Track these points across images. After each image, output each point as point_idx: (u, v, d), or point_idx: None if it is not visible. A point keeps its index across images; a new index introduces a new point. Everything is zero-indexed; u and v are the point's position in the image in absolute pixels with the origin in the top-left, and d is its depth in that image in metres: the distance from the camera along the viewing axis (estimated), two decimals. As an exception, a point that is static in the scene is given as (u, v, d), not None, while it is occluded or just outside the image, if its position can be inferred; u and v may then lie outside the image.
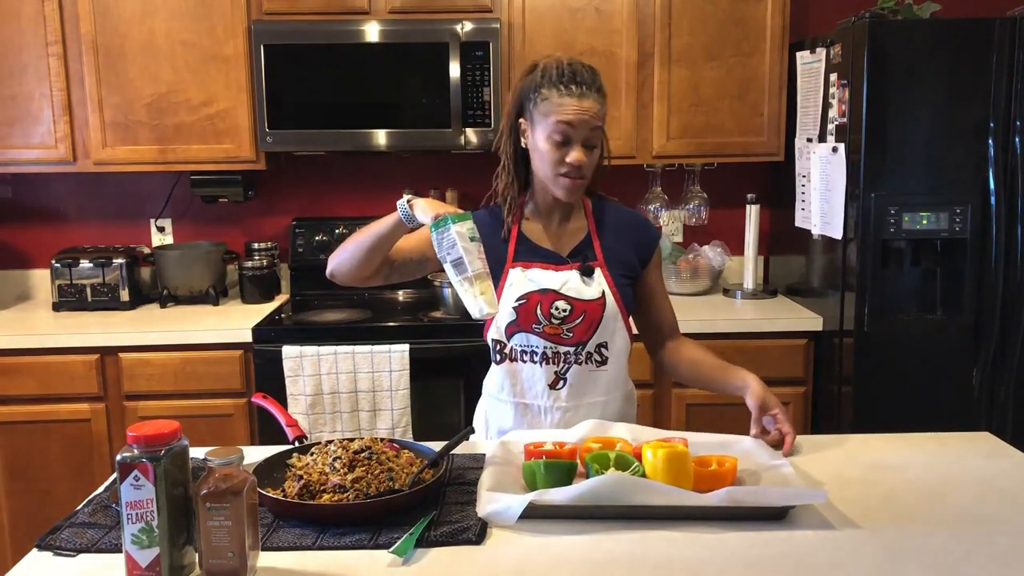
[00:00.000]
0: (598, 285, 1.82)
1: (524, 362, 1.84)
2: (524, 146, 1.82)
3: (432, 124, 3.03)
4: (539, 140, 1.76)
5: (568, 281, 1.81)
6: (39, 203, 3.48)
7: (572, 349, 1.82)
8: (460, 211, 1.64)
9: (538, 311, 1.79)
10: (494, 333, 1.85)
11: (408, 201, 1.70)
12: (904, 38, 2.63)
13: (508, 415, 1.88)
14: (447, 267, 1.62)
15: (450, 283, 3.06)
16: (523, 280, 1.81)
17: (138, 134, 3.09)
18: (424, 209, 1.66)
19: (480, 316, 1.60)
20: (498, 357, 1.86)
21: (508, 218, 1.87)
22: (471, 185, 3.50)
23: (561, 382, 1.83)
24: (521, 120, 1.80)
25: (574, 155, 1.73)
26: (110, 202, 3.49)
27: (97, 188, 3.46)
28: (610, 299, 1.82)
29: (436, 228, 1.61)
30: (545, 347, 1.81)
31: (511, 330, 1.82)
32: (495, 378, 1.90)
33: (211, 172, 3.20)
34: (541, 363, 1.82)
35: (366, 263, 1.79)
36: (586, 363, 1.83)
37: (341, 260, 1.81)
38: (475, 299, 1.59)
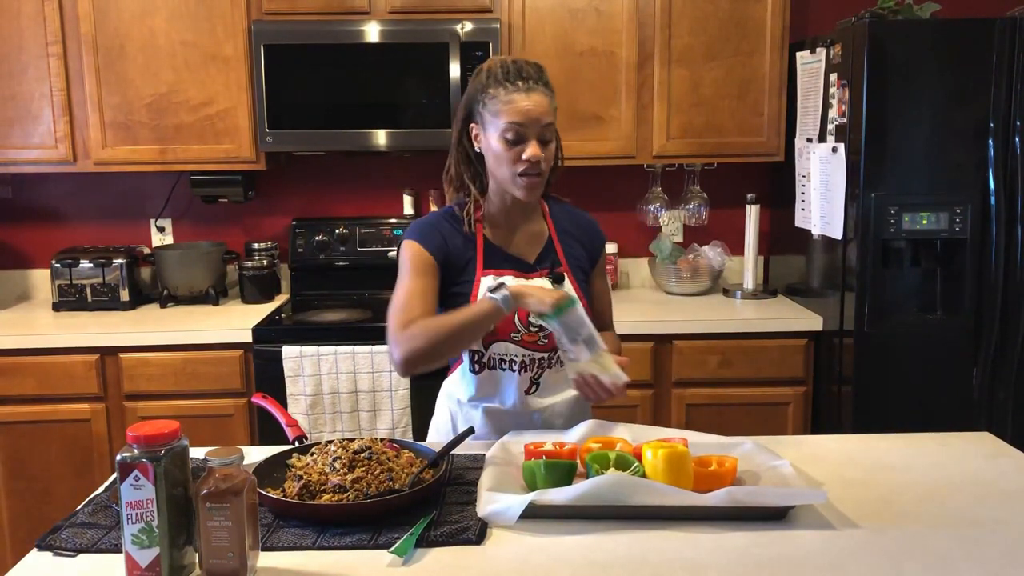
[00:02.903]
0: (568, 291, 1.82)
1: (503, 370, 1.83)
2: (478, 150, 1.80)
3: (432, 124, 3.03)
4: (492, 141, 1.74)
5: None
6: (39, 203, 3.48)
7: (546, 355, 1.83)
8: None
9: (516, 319, 1.78)
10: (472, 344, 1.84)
11: (503, 290, 1.65)
12: (904, 38, 2.63)
13: (479, 420, 1.87)
14: (576, 347, 1.64)
15: None
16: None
17: (138, 134, 3.09)
18: (539, 298, 1.64)
19: (619, 386, 1.65)
20: (476, 367, 1.84)
21: (467, 218, 1.83)
22: (471, 185, 3.50)
23: (535, 387, 1.85)
24: (472, 125, 1.79)
25: (530, 151, 1.71)
26: (110, 202, 3.49)
27: (97, 188, 3.46)
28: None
29: (563, 311, 1.62)
30: (523, 355, 1.81)
31: (488, 339, 1.80)
32: (468, 384, 1.87)
33: (211, 172, 3.19)
34: (520, 371, 1.82)
35: (454, 353, 1.78)
36: (556, 365, 1.84)
37: (423, 352, 1.68)
38: (610, 370, 1.65)
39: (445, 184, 1.89)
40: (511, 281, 1.76)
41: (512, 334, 1.79)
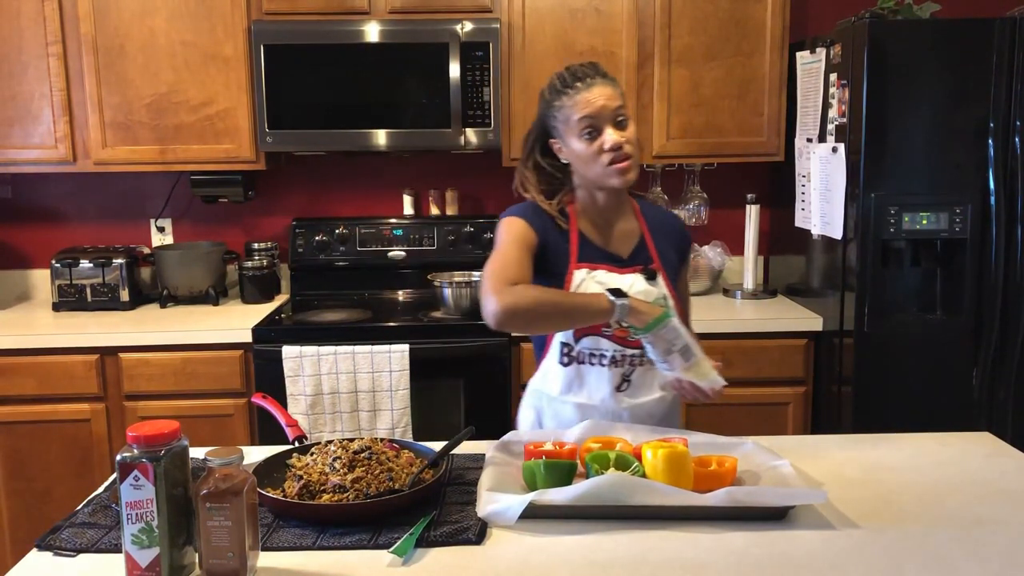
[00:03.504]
0: (661, 289, 1.83)
1: (592, 365, 1.83)
2: (565, 162, 1.84)
3: (432, 124, 3.03)
4: (573, 145, 1.78)
5: (634, 284, 1.81)
6: (39, 203, 3.48)
7: (638, 352, 1.81)
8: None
9: None
10: (562, 336, 1.84)
11: (624, 299, 1.66)
12: (904, 38, 2.63)
13: (572, 415, 1.86)
14: (671, 358, 1.64)
15: (450, 283, 3.07)
16: (591, 282, 1.80)
17: (138, 134, 3.09)
18: (638, 314, 1.65)
19: (717, 390, 1.65)
20: (565, 359, 1.85)
21: (560, 213, 1.85)
22: (471, 185, 3.50)
23: (626, 384, 1.84)
24: (552, 141, 1.83)
25: (609, 138, 1.74)
26: (110, 202, 3.49)
27: (97, 188, 3.46)
28: (670, 302, 1.83)
29: (657, 324, 1.63)
30: (614, 351, 1.81)
31: (579, 333, 1.81)
32: (557, 379, 1.87)
33: (211, 172, 3.19)
34: (610, 366, 1.82)
35: (549, 329, 1.79)
36: (648, 363, 1.82)
37: (524, 312, 1.67)
38: (708, 376, 1.65)
39: (524, 194, 1.90)
40: (624, 282, 1.79)
41: (603, 328, 1.79)
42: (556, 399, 1.88)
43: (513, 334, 2.88)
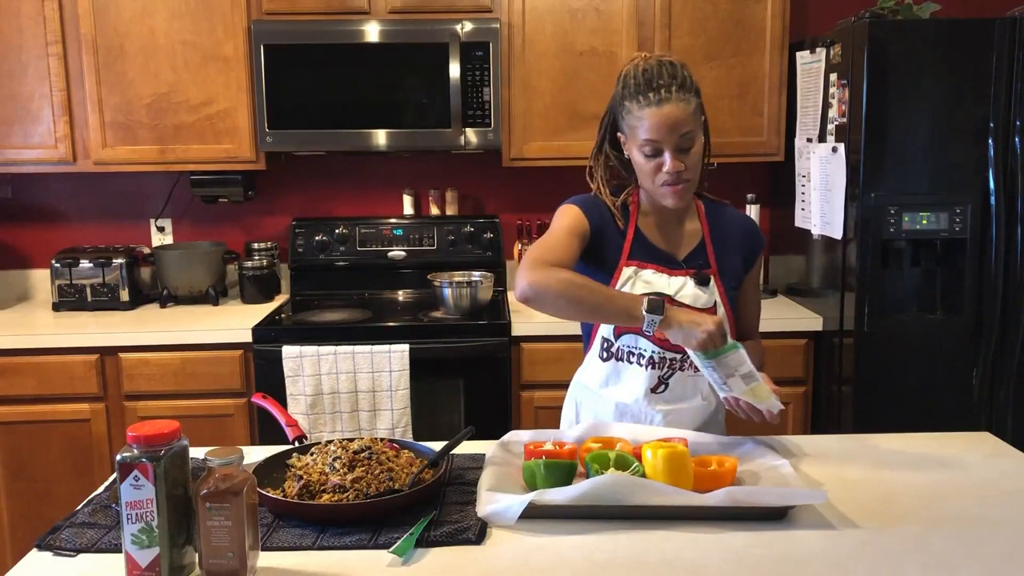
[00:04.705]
0: (711, 295, 1.80)
1: (630, 363, 1.81)
2: (628, 156, 1.79)
3: (432, 124, 3.04)
4: (633, 153, 1.75)
5: (683, 287, 1.78)
6: (39, 203, 3.48)
7: (679, 356, 1.79)
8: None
9: None
10: (604, 331, 1.83)
11: (658, 314, 1.58)
12: (904, 38, 2.63)
13: (608, 412, 1.85)
14: (731, 381, 1.61)
15: (450, 283, 3.07)
16: (637, 281, 1.78)
17: (138, 134, 3.09)
18: (672, 332, 1.59)
19: (775, 413, 1.61)
20: (604, 355, 1.83)
21: (619, 210, 1.81)
22: (471, 185, 3.50)
23: (663, 387, 1.81)
24: (619, 133, 1.79)
25: (668, 165, 1.69)
26: (110, 202, 3.49)
27: (97, 188, 3.46)
28: (721, 309, 1.81)
29: (725, 352, 1.58)
30: (653, 351, 1.78)
31: (620, 330, 1.80)
32: (597, 373, 1.86)
33: (211, 172, 3.20)
34: (647, 367, 1.79)
35: (574, 317, 1.74)
36: (689, 369, 1.80)
37: (552, 295, 1.64)
38: (768, 399, 1.61)
39: (591, 182, 1.87)
40: (673, 284, 1.76)
41: (644, 328, 1.74)
42: (594, 393, 1.87)
43: (515, 332, 2.88)
